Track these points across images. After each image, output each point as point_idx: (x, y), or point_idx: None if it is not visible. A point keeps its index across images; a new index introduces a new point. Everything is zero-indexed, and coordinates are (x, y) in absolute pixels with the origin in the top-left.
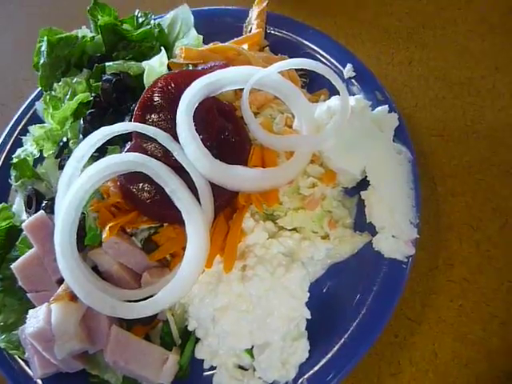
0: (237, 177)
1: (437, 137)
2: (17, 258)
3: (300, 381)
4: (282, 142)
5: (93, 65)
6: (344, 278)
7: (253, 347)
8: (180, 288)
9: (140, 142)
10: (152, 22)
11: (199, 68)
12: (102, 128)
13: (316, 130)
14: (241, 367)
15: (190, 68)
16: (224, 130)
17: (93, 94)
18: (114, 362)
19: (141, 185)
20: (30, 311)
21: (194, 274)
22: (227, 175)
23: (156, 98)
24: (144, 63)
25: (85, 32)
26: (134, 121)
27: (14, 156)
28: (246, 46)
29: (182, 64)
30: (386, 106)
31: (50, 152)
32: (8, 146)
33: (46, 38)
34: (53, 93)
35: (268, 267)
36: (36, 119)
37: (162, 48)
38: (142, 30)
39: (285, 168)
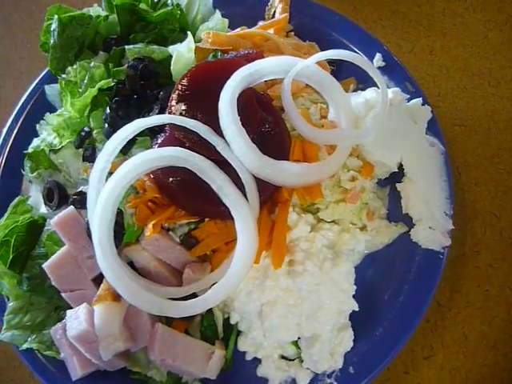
0: (284, 172)
1: (460, 126)
2: (43, 255)
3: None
4: (325, 135)
5: (109, 47)
6: (380, 268)
7: (299, 338)
8: (230, 285)
9: (176, 135)
10: (169, 1)
11: (231, 55)
12: (137, 120)
13: (355, 123)
14: (284, 357)
15: (219, 54)
16: (264, 122)
17: (114, 80)
18: (161, 361)
19: (179, 179)
20: (68, 312)
21: (244, 271)
22: (274, 171)
23: (192, 89)
24: (171, 49)
25: (96, 11)
26: (169, 112)
27: (31, 146)
28: (271, 31)
29: (208, 49)
30: (420, 98)
31: (68, 141)
32: (14, 133)
33: (56, 16)
34: (66, 76)
35: (316, 262)
36: (42, 103)
37: (189, 32)
38: (162, 11)
39: (328, 162)
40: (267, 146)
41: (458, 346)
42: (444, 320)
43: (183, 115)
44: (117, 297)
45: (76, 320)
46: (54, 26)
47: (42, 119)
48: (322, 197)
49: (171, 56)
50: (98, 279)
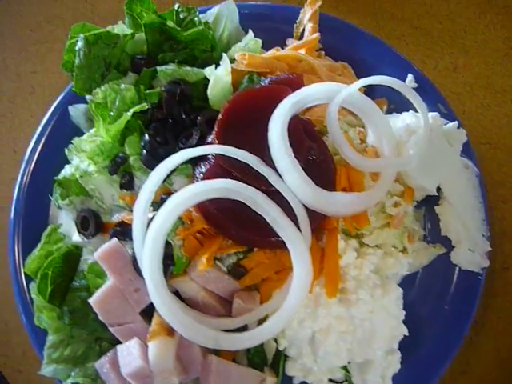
0: (337, 203)
1: (485, 144)
2: (84, 288)
3: None
4: (372, 164)
5: (138, 67)
6: (418, 289)
7: (348, 363)
8: (286, 317)
9: (222, 164)
10: (196, 19)
11: (270, 79)
12: (185, 150)
13: (397, 149)
14: (332, 380)
15: (255, 77)
16: (310, 149)
17: (148, 104)
18: None
19: (227, 209)
20: (119, 347)
21: (299, 303)
22: (328, 202)
23: (237, 117)
24: (207, 72)
25: (121, 29)
26: (213, 140)
27: (62, 174)
28: (303, 51)
29: (243, 71)
30: (456, 122)
31: (99, 166)
32: (36, 156)
33: (82, 36)
34: (94, 98)
35: (367, 289)
36: (64, 124)
37: (224, 55)
38: (193, 30)
39: (376, 190)
40: (314, 174)
41: (493, 361)
42: (478, 335)
43: (229, 144)
44: (170, 331)
45: (129, 356)
46: (79, 46)
47: (70, 143)
48: (369, 224)
49: (205, 78)
50: (146, 312)
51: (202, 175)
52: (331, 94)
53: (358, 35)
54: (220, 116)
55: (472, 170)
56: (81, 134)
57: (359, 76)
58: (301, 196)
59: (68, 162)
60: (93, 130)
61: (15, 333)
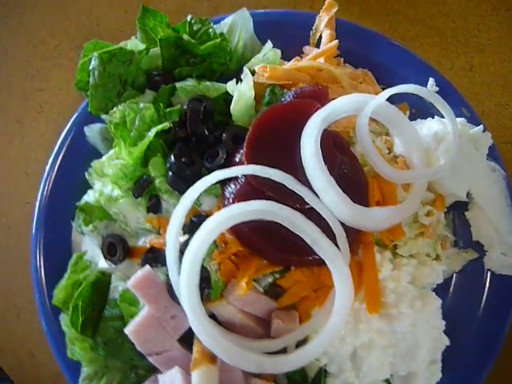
0: (374, 218)
1: (505, 144)
2: (117, 317)
3: None
4: (404, 175)
5: (154, 84)
6: (452, 296)
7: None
8: (330, 337)
9: (254, 184)
10: (210, 30)
11: (294, 92)
12: (215, 173)
13: (426, 158)
14: None
15: (277, 89)
16: (342, 163)
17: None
18: None
19: (262, 230)
20: (160, 377)
21: (342, 322)
22: (366, 218)
23: (265, 134)
24: (230, 87)
25: (134, 44)
26: (243, 159)
27: (85, 199)
28: (322, 60)
29: (264, 84)
30: (481, 125)
31: (123, 190)
32: (53, 179)
33: (96, 54)
34: (111, 118)
35: (407, 302)
36: (77, 145)
37: (246, 69)
38: (210, 43)
39: (410, 201)
40: (346, 188)
41: None
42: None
43: (259, 163)
44: (212, 358)
45: None
46: (93, 65)
47: (88, 165)
48: (404, 235)
49: (226, 92)
50: (184, 338)
51: (232, 195)
52: (359, 105)
53: (375, 39)
54: (248, 134)
55: (499, 173)
56: (97, 154)
57: (379, 81)
58: (338, 214)
59: (86, 185)
60: (112, 152)
61: (43, 365)
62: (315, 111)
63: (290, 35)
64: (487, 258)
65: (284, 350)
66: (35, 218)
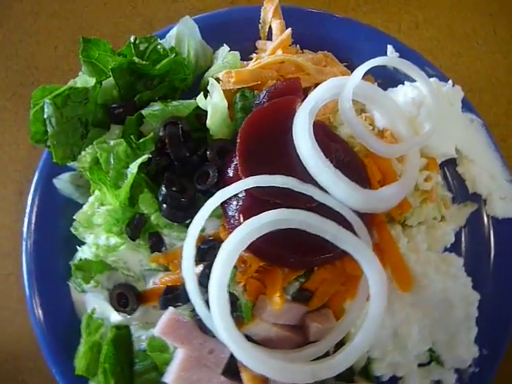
0: (385, 198)
1: (469, 92)
2: (151, 368)
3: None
4: (398, 148)
5: (117, 117)
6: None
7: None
8: (375, 326)
9: (257, 195)
10: (159, 47)
11: (267, 91)
12: (218, 193)
13: (411, 125)
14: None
15: (247, 92)
16: (337, 152)
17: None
18: None
19: (277, 240)
20: None
21: (383, 308)
22: (378, 200)
23: (255, 142)
24: (200, 102)
25: (84, 80)
26: (237, 174)
27: (79, 256)
28: (280, 52)
29: (233, 90)
30: (450, 81)
31: (119, 236)
32: (31, 243)
33: (48, 101)
34: (81, 164)
35: (433, 270)
36: (48, 200)
37: (211, 79)
38: (165, 61)
39: (410, 171)
40: (348, 175)
41: None
42: None
43: (255, 173)
44: (265, 381)
45: None
46: (48, 113)
47: (68, 219)
48: (412, 206)
49: (197, 107)
50: (227, 371)
51: (236, 213)
52: (338, 89)
53: (325, 19)
54: (238, 147)
55: (477, 122)
56: (72, 204)
57: (340, 59)
58: (351, 203)
59: (70, 240)
60: (92, 199)
61: None
62: (298, 106)
63: (239, 33)
64: (488, 206)
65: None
66: (27, 291)
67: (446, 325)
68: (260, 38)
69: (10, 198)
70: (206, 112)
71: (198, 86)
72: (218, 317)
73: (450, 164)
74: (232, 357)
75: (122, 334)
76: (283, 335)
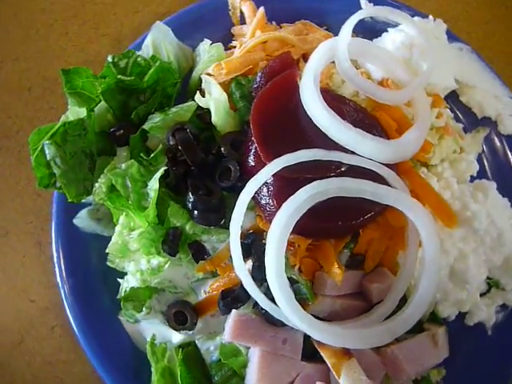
0: (409, 144)
1: (448, 22)
2: (231, 375)
3: None
4: (406, 93)
5: (121, 140)
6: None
7: None
8: (435, 270)
9: (286, 175)
10: (139, 59)
11: (261, 73)
12: (248, 185)
13: (409, 68)
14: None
15: (242, 80)
16: (349, 113)
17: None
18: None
19: (317, 213)
20: None
21: (438, 249)
22: (404, 148)
23: (269, 126)
24: (200, 101)
25: (75, 112)
26: (266, 160)
27: (124, 288)
28: (258, 33)
29: (228, 81)
30: (430, 15)
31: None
32: (67, 291)
33: (48, 143)
34: (98, 197)
35: (470, 200)
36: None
37: (204, 76)
38: (151, 70)
39: (422, 111)
40: (367, 132)
41: None
42: None
43: (278, 154)
44: (346, 353)
45: None
46: (50, 154)
47: (104, 254)
48: (433, 145)
49: (199, 107)
50: (304, 355)
51: (270, 199)
52: (332, 51)
53: None
54: (254, 134)
55: (466, 50)
56: (96, 238)
57: (319, 25)
58: (381, 157)
59: (107, 271)
60: (119, 228)
61: None
62: (299, 79)
63: (211, 26)
64: (500, 126)
65: None
66: (79, 338)
67: (499, 249)
68: (234, 25)
69: (30, 252)
70: (207, 110)
71: (186, 88)
72: (285, 303)
73: (451, 97)
74: (306, 341)
75: (191, 351)
76: (348, 305)
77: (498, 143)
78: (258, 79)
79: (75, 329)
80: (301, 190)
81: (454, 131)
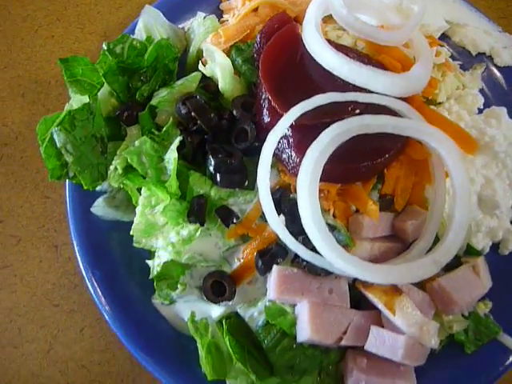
0: (418, 77)
1: None
2: (280, 338)
3: None
4: (403, 32)
5: (130, 119)
6: None
7: None
8: (467, 195)
9: (307, 122)
10: (134, 42)
11: (260, 34)
12: (269, 137)
13: (400, 12)
14: None
15: (241, 46)
16: (351, 55)
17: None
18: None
19: (340, 157)
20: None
21: (466, 174)
22: (414, 81)
23: (279, 77)
24: (205, 70)
25: (78, 99)
26: (282, 111)
27: (154, 267)
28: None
29: (227, 49)
30: None
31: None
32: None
33: (57, 130)
34: (114, 180)
35: (484, 126)
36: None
37: (205, 44)
38: (151, 48)
39: (424, 48)
40: None
41: None
42: None
43: (293, 103)
44: (396, 290)
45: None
46: (60, 142)
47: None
48: (438, 81)
49: (204, 77)
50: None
51: (291, 151)
52: (325, 2)
53: None
54: (266, 88)
55: None
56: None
57: None
58: (395, 91)
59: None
60: (140, 208)
61: None
62: (300, 31)
63: (199, 5)
64: (496, 59)
65: None
66: (119, 334)
67: None
68: (221, 1)
69: (46, 256)
70: (211, 80)
71: (182, 68)
72: (327, 248)
73: (444, 40)
74: (351, 290)
75: (234, 321)
76: (386, 247)
77: (495, 77)
78: (259, 39)
79: (110, 323)
80: (322, 133)
81: (454, 67)
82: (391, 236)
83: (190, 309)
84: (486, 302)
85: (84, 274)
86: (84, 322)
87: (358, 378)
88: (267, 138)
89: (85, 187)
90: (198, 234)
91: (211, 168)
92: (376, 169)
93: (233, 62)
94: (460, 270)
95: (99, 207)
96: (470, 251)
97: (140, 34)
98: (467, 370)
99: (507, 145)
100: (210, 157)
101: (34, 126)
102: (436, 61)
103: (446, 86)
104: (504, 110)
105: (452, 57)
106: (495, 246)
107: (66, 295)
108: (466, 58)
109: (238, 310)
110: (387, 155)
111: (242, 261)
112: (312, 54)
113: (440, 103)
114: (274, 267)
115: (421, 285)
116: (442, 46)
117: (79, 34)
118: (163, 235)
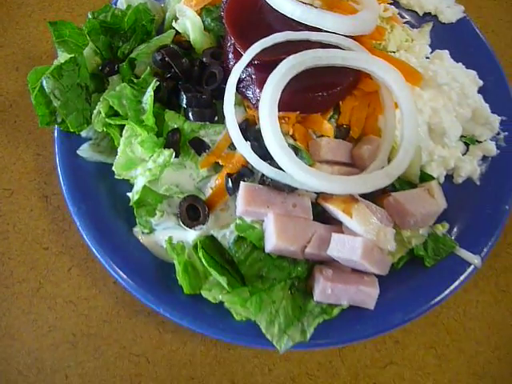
0: (364, 21)
1: None
2: (251, 250)
3: None
4: None
5: (111, 71)
6: None
7: None
8: (413, 115)
9: (268, 59)
10: (116, 11)
11: None
12: (234, 69)
13: None
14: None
15: (212, 8)
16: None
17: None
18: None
19: (299, 89)
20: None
21: (411, 95)
22: (360, 23)
23: (243, 22)
24: (177, 26)
25: (65, 56)
26: (243, 48)
27: (133, 194)
28: None
29: (198, 11)
30: None
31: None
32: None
33: (47, 75)
34: (98, 122)
35: (428, 63)
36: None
37: (178, 5)
38: (130, 11)
39: (373, 3)
40: None
41: None
42: None
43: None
44: (353, 198)
45: (350, 248)
46: (49, 87)
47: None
48: (385, 30)
49: (178, 33)
50: (316, 217)
51: (254, 87)
52: None
53: None
54: (229, 31)
55: None
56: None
57: None
58: (344, 29)
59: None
60: (121, 147)
61: None
62: None
63: None
64: (441, 16)
65: None
66: (105, 265)
67: (465, 101)
68: None
69: (37, 205)
70: (184, 37)
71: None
72: (288, 163)
73: (393, 4)
74: (314, 207)
75: (208, 240)
76: (345, 171)
77: (441, 33)
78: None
79: (101, 259)
80: (280, 64)
81: (401, 22)
82: (350, 164)
83: (168, 233)
84: (444, 224)
85: (70, 209)
86: (72, 262)
87: (325, 286)
88: (232, 71)
89: (71, 129)
90: (172, 158)
91: (184, 103)
92: (331, 100)
93: (203, 22)
94: (414, 190)
95: (85, 150)
96: (425, 179)
97: (121, 6)
98: (427, 281)
99: (450, 79)
100: (183, 93)
101: (27, 95)
102: (383, 15)
103: (394, 36)
104: (447, 52)
105: (400, 15)
106: (450, 178)
107: (55, 239)
108: (414, 19)
109: (212, 232)
110: (340, 87)
111: (214, 188)
112: (269, 2)
113: (391, 52)
114: (242, 184)
115: (378, 203)
116: (389, 3)
117: (69, 17)
118: (142, 165)
